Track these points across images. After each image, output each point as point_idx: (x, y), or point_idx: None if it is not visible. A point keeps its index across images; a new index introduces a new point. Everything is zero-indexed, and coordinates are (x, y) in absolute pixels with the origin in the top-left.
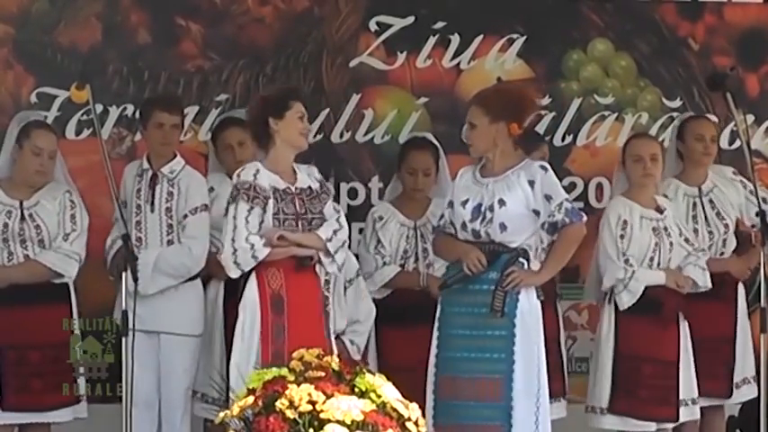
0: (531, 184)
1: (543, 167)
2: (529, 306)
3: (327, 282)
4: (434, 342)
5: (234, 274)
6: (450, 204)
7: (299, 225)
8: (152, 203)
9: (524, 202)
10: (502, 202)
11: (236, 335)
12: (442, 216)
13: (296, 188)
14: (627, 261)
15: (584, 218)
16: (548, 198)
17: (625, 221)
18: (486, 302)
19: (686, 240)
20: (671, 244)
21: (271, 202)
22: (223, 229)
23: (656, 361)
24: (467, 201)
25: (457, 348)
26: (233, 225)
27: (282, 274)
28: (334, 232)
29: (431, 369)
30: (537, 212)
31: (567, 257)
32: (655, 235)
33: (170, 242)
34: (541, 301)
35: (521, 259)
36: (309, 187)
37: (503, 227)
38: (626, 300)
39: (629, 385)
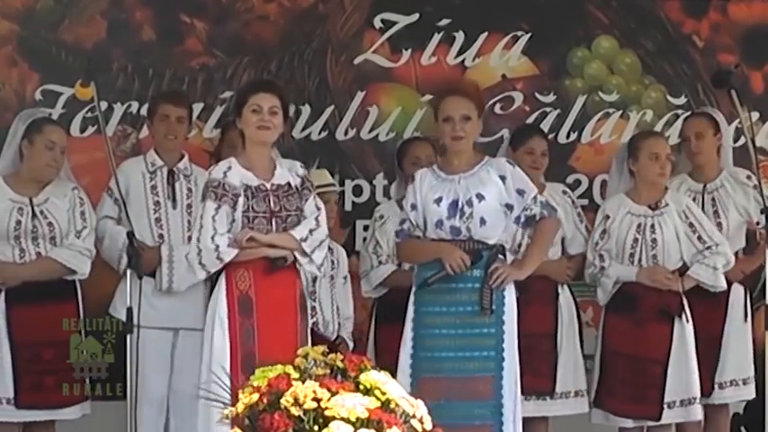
0: (503, 179)
1: (510, 162)
2: (511, 302)
3: (333, 277)
4: (408, 343)
5: (200, 275)
6: (414, 207)
7: (273, 223)
8: (174, 200)
9: (498, 197)
10: (480, 197)
11: (204, 336)
12: (404, 221)
13: (271, 185)
14: (601, 257)
15: (559, 211)
16: (520, 192)
17: (607, 216)
18: (472, 301)
19: (699, 238)
20: (653, 240)
21: (241, 199)
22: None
23: (633, 358)
24: (440, 198)
25: (442, 348)
26: (199, 224)
27: (251, 274)
28: (310, 231)
29: (405, 370)
30: (509, 207)
31: (548, 250)
32: (637, 231)
33: (190, 238)
34: (546, 299)
35: (500, 256)
36: (288, 183)
37: (482, 221)
38: (600, 295)
39: (608, 381)
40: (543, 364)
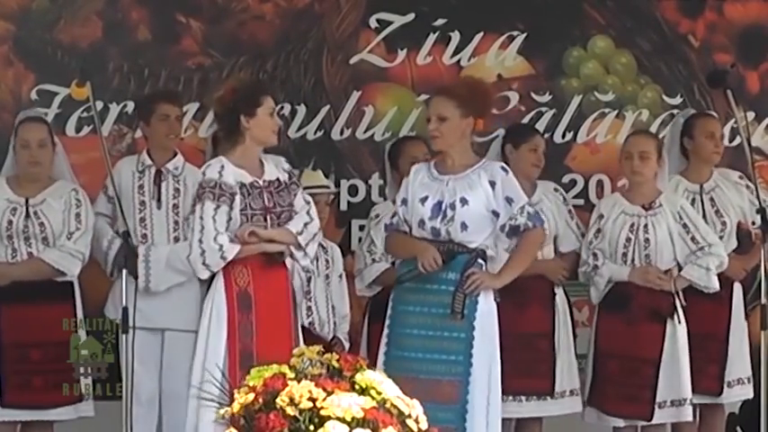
0: (492, 184)
1: (504, 169)
2: (487, 308)
3: (328, 276)
4: (383, 340)
5: (203, 275)
6: (404, 202)
7: (268, 219)
8: (159, 200)
9: (485, 203)
10: (464, 201)
11: (200, 334)
12: (395, 214)
13: (263, 181)
14: (595, 255)
15: (545, 222)
16: (509, 200)
17: (601, 215)
18: (444, 303)
19: (692, 239)
20: (646, 240)
21: (237, 198)
22: (190, 229)
23: (624, 358)
24: (426, 198)
25: (412, 348)
26: (200, 225)
27: (250, 271)
28: (305, 225)
29: (379, 368)
30: (496, 214)
31: (529, 261)
32: (630, 231)
33: (176, 239)
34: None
35: (479, 260)
36: (277, 179)
37: (464, 226)
38: (593, 294)
39: (600, 381)
40: (542, 365)
